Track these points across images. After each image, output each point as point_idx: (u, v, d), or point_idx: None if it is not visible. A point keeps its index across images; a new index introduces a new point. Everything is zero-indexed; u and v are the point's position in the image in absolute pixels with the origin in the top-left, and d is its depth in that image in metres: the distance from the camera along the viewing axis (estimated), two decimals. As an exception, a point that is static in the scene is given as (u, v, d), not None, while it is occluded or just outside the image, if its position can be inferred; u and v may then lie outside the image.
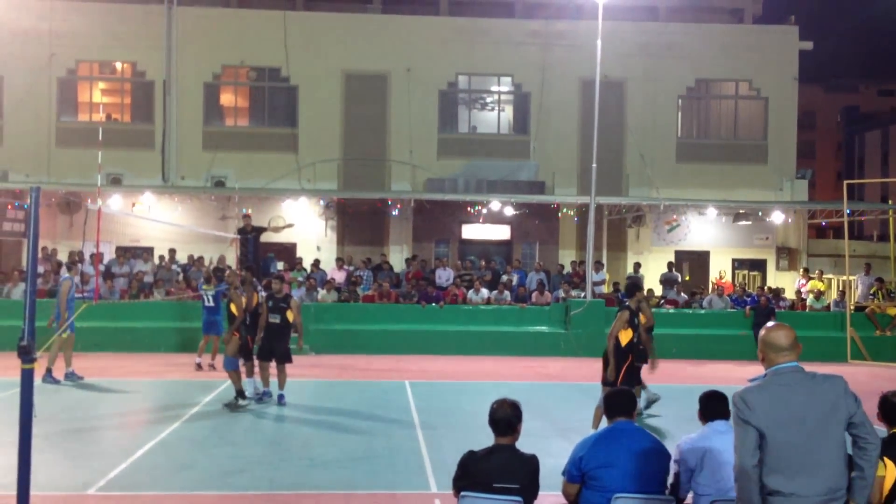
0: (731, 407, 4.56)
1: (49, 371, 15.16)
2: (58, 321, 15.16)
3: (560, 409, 13.70)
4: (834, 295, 24.95)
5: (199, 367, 17.13)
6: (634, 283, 11.96)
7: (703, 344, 20.97)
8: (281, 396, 13.29)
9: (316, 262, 23.85)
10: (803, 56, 28.53)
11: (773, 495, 4.32)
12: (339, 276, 23.05)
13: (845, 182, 25.22)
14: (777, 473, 4.32)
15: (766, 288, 24.45)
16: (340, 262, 24.11)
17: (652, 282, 24.54)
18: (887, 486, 5.12)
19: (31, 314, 6.24)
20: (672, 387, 14.96)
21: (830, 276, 26.84)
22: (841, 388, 4.43)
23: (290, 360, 13.47)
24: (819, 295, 23.36)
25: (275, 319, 13.25)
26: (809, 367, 4.57)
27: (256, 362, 13.84)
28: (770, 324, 4.72)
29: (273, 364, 13.42)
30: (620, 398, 5.77)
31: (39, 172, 25.74)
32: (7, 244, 25.99)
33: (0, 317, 19.56)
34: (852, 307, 22.51)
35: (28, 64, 26.23)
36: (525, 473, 5.44)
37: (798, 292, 24.06)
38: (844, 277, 23.82)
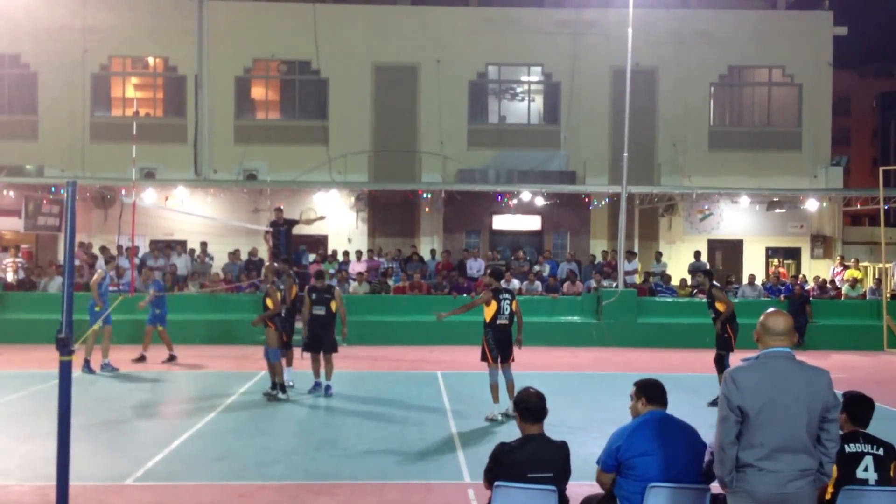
0: (720, 384, 4.80)
1: (87, 362, 15.43)
2: (92, 315, 15.37)
3: (592, 398, 13.67)
4: (870, 283, 24.64)
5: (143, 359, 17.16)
6: (497, 270, 12.70)
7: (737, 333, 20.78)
8: (328, 387, 13.46)
9: (345, 254, 23.99)
10: (837, 41, 28.11)
11: (746, 468, 4.62)
12: (360, 268, 23.14)
13: (881, 168, 24.80)
14: (753, 448, 4.60)
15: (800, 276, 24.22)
16: (359, 254, 24.26)
17: (684, 271, 24.37)
18: None
19: (69, 307, 6.32)
20: (699, 376, 14.88)
21: (866, 263, 26.51)
22: (825, 382, 4.70)
23: (335, 351, 13.62)
24: (855, 283, 23.09)
25: (320, 311, 13.45)
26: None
27: (298, 353, 14.22)
28: (770, 309, 4.97)
29: (321, 355, 13.61)
30: (656, 388, 5.74)
31: (74, 167, 26.03)
32: (42, 239, 26.35)
33: (38, 310, 19.96)
34: (888, 295, 22.21)
35: (62, 60, 26.54)
36: (557, 461, 5.46)
37: (832, 281, 23.83)
38: (880, 265, 23.52)
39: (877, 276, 24.33)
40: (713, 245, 27.52)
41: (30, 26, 26.33)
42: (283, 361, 13.88)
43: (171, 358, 17.20)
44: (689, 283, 23.14)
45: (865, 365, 18.48)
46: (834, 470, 5.18)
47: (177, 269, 22.44)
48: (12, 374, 15.43)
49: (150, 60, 27.86)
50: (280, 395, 13.04)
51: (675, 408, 5.75)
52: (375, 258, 24.21)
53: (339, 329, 13.83)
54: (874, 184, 25.90)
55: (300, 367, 14.59)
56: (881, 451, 5.56)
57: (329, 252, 24.85)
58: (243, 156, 26.62)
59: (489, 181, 25.52)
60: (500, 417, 11.50)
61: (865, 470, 5.48)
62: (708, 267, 24.35)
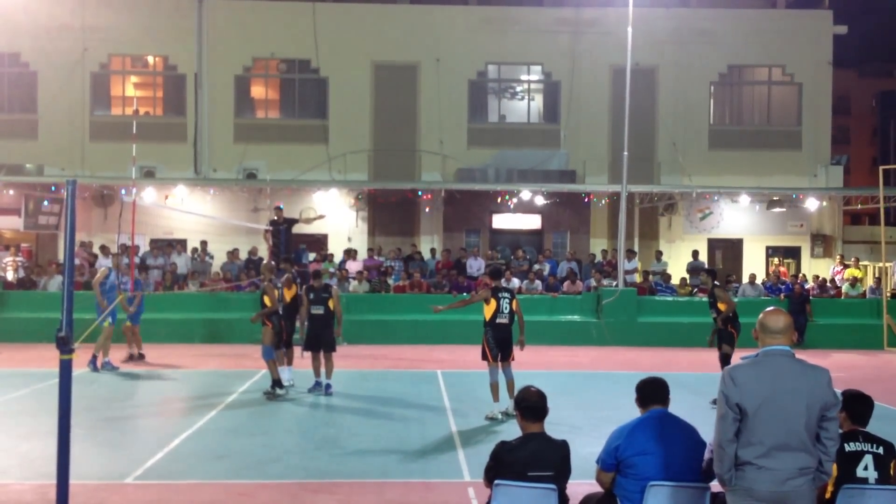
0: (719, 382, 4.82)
1: (94, 358, 15.44)
2: (99, 312, 15.42)
3: (592, 397, 13.67)
4: (870, 282, 24.64)
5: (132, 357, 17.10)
6: (497, 269, 12.73)
7: (739, 332, 20.77)
8: (328, 386, 13.45)
9: (345, 252, 23.97)
10: (837, 40, 28.12)
11: (745, 465, 4.61)
12: (355, 266, 23.13)
13: (881, 167, 24.79)
14: (752, 446, 4.60)
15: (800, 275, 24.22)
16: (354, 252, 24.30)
17: (684, 270, 24.37)
18: None
19: (69, 306, 6.32)
20: (699, 375, 14.89)
21: (866, 262, 26.53)
22: (825, 380, 4.69)
23: (334, 349, 13.62)
24: (855, 282, 23.09)
25: (318, 311, 13.46)
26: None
27: (298, 352, 14.24)
28: (769, 308, 4.96)
29: (321, 354, 13.61)
30: (653, 386, 5.73)
31: (74, 166, 26.02)
32: (42, 237, 26.35)
33: (37, 309, 19.95)
34: (889, 294, 22.22)
35: (61, 59, 26.52)
36: (558, 459, 5.45)
37: (832, 280, 23.83)
38: (880, 264, 23.53)
39: (877, 275, 24.35)
40: (713, 244, 27.52)
41: (29, 25, 26.30)
42: (285, 360, 13.99)
43: (130, 357, 16.94)
44: (688, 282, 23.14)
45: (865, 364, 18.48)
46: (834, 468, 5.18)
47: (177, 268, 22.46)
48: (12, 372, 15.43)
49: (150, 59, 27.83)
50: (278, 391, 13.08)
51: (675, 407, 5.75)
52: (375, 257, 24.19)
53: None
54: (874, 183, 25.89)
55: (300, 365, 14.60)
56: (881, 450, 5.55)
57: (329, 251, 24.85)
58: (243, 155, 26.61)
59: (489, 180, 25.50)
60: (500, 416, 11.50)
61: (865, 469, 5.47)
62: (706, 266, 24.39)
